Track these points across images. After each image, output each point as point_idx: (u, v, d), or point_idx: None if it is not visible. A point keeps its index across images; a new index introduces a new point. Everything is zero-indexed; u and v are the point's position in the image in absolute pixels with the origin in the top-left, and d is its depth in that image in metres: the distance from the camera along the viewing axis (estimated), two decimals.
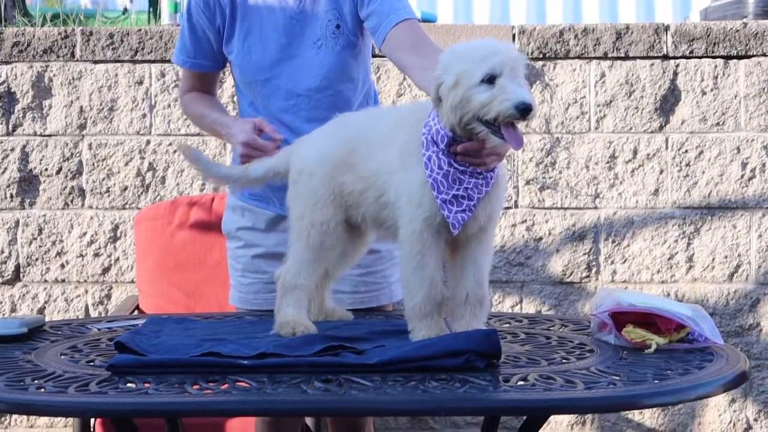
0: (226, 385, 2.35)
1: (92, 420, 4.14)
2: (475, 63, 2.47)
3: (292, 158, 2.88)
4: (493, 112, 2.44)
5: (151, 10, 8.44)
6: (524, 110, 2.43)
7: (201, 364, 2.46)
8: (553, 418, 4.81)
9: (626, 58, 4.89)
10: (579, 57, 4.90)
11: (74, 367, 2.57)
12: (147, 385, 2.35)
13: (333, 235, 2.79)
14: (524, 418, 2.73)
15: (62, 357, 2.68)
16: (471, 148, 2.50)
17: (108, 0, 11.90)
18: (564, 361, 2.55)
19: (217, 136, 3.40)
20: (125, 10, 8.91)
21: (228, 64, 3.35)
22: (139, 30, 4.92)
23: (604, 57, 4.89)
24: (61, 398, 2.31)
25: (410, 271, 2.61)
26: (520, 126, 2.51)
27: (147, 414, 2.60)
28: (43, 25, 5.33)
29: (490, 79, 2.45)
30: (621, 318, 2.69)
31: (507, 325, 3.06)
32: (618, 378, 2.38)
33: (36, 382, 2.42)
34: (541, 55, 4.89)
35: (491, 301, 4.87)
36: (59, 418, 4.86)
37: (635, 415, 4.88)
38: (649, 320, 2.67)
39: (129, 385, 2.37)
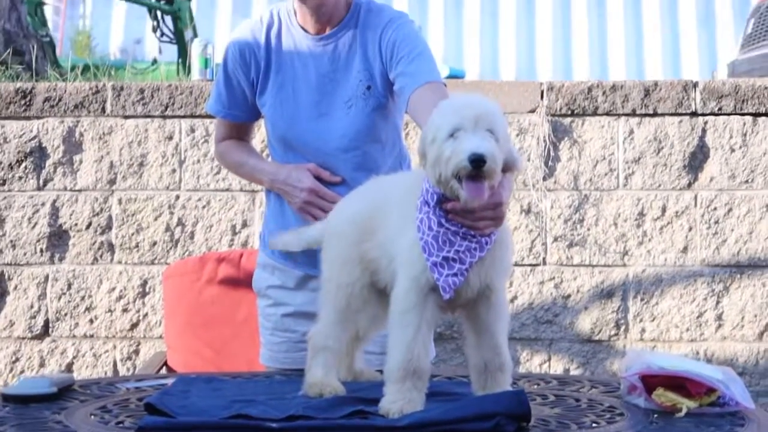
0: None
1: None
2: (445, 118, 2.45)
3: (328, 220, 2.89)
4: (451, 165, 2.41)
5: (180, 61, 8.53)
6: (475, 161, 2.37)
7: (231, 427, 2.45)
8: None
9: (655, 114, 4.92)
10: (607, 114, 4.93)
11: (104, 428, 2.56)
12: None
13: (359, 298, 2.77)
14: None
15: (92, 417, 2.68)
16: (458, 207, 2.48)
17: (137, 49, 12.03)
18: (594, 425, 2.53)
19: (257, 183, 3.42)
20: (154, 61, 9.00)
21: (262, 116, 3.38)
22: (170, 85, 4.98)
23: (633, 114, 4.92)
24: None
25: (392, 331, 2.55)
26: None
27: None
28: (74, 79, 5.40)
29: (453, 134, 2.42)
30: (651, 381, 2.67)
31: (536, 386, 3.04)
32: None
33: None
34: (569, 112, 4.92)
35: (519, 359, 4.87)
36: None
37: None
38: (679, 383, 2.64)
39: None
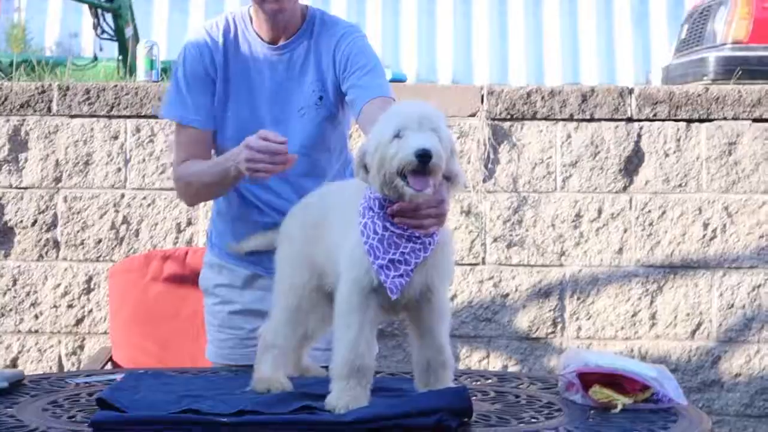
0: None
1: None
2: (387, 123, 2.53)
3: (283, 223, 2.96)
4: (397, 161, 2.48)
5: (120, 58, 8.52)
6: (422, 155, 2.45)
7: (181, 422, 2.49)
8: None
9: (591, 120, 5.01)
10: (546, 118, 5.01)
11: (57, 422, 2.59)
12: None
13: (309, 300, 2.83)
14: None
15: (44, 412, 2.70)
16: (404, 207, 2.53)
17: (74, 45, 11.96)
18: (533, 420, 2.60)
19: (222, 179, 3.18)
20: (95, 58, 8.97)
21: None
22: (115, 86, 5.00)
23: (570, 119, 5.00)
24: None
25: (337, 331, 2.61)
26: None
27: None
28: (19, 78, 5.41)
29: (399, 135, 2.50)
30: (588, 378, 2.74)
31: (477, 382, 3.09)
32: None
33: None
34: (509, 116, 5.00)
35: (459, 355, 4.95)
36: None
37: None
38: (615, 381, 2.71)
39: None
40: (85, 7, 9.49)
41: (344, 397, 2.55)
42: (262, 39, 3.29)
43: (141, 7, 9.26)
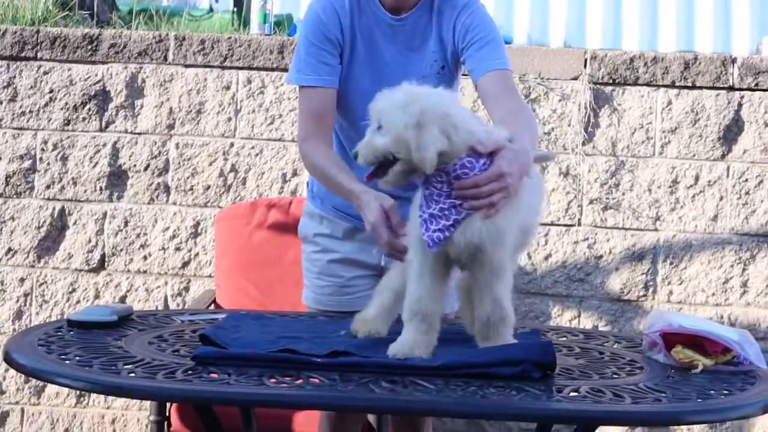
0: (300, 381, 2.52)
1: (168, 404, 4.34)
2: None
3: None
4: None
5: (234, 10, 8.64)
6: (355, 155, 2.73)
7: (278, 360, 2.63)
8: (601, 429, 4.93)
9: (693, 87, 5.01)
10: (647, 84, 5.03)
11: (161, 355, 2.74)
12: (228, 376, 2.53)
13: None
14: (574, 427, 2.89)
15: (150, 345, 2.85)
16: (461, 185, 2.66)
17: None
18: (615, 376, 2.69)
19: (341, 196, 3.26)
20: (210, 10, 9.10)
21: None
22: (229, 38, 5.11)
23: (672, 85, 5.02)
24: (151, 383, 2.51)
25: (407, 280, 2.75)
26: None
27: (228, 402, 2.74)
28: (137, 27, 5.55)
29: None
30: (671, 338, 2.80)
31: (563, 338, 3.17)
32: (664, 395, 2.52)
33: (127, 367, 2.60)
34: (611, 81, 5.02)
35: (550, 314, 5.02)
36: (136, 401, 5.08)
37: (683, 431, 5.01)
38: (697, 342, 2.78)
39: (212, 375, 2.55)
40: None
41: (405, 344, 2.67)
42: (385, 8, 3.33)
43: None
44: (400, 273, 2.89)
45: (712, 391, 2.57)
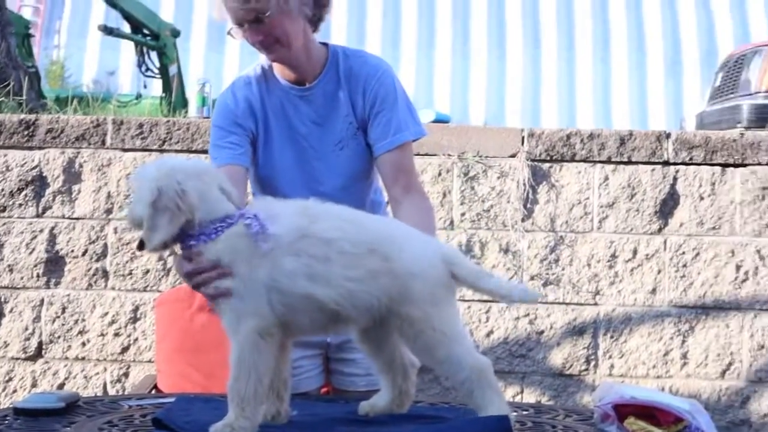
0: None
1: None
2: None
3: None
4: None
5: (164, 95, 8.66)
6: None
7: None
8: None
9: (629, 162, 5.08)
10: (584, 160, 5.09)
11: None
12: None
13: None
14: None
15: (101, 431, 2.81)
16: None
17: (110, 82, 12.09)
18: None
19: None
20: (139, 95, 9.11)
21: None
22: (168, 121, 5.10)
23: (608, 161, 5.08)
24: None
25: None
26: None
27: None
28: (74, 112, 5.53)
29: None
30: (623, 410, 2.78)
31: (514, 413, 3.11)
32: None
33: None
34: (548, 158, 5.08)
35: None
36: None
37: None
38: (649, 413, 2.77)
39: None
40: (124, 45, 9.63)
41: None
42: (289, 82, 3.33)
43: (178, 45, 9.36)
44: None
45: None
